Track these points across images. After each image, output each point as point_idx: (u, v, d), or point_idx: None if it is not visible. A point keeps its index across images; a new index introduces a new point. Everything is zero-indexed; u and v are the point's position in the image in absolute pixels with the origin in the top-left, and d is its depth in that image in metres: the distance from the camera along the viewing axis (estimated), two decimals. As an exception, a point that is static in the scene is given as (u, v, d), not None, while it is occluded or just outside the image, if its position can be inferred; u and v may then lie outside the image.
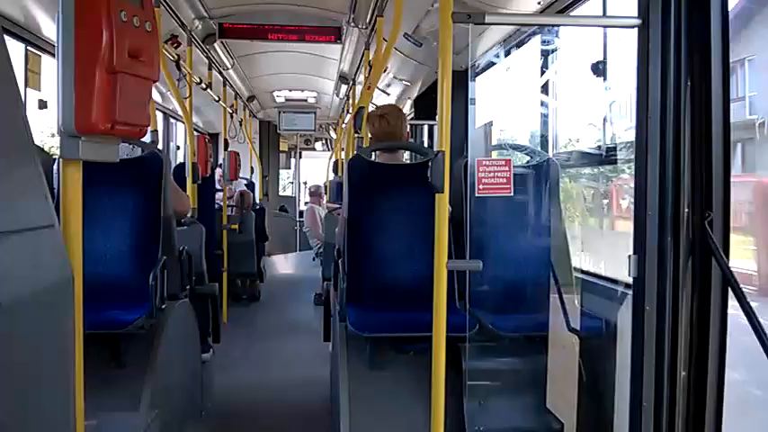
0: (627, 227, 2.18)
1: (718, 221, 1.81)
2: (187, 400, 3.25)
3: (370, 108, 3.79)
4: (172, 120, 7.33)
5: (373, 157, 3.07)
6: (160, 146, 5.06)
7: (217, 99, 6.47)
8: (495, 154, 3.14)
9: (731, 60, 1.82)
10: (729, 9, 1.81)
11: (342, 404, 2.60)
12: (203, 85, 5.74)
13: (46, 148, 4.08)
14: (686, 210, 1.85)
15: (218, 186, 6.09)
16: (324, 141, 12.47)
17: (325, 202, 8.82)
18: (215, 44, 5.36)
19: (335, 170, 7.74)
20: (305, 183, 11.81)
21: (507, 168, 2.18)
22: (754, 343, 1.60)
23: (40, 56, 3.62)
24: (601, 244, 3.26)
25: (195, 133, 4.87)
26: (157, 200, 2.94)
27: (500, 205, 2.73)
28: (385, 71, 5.37)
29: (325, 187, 9.37)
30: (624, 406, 2.03)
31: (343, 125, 8.30)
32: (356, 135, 3.98)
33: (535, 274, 2.78)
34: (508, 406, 2.69)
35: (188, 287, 3.28)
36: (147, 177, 2.96)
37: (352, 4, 4.48)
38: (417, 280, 2.61)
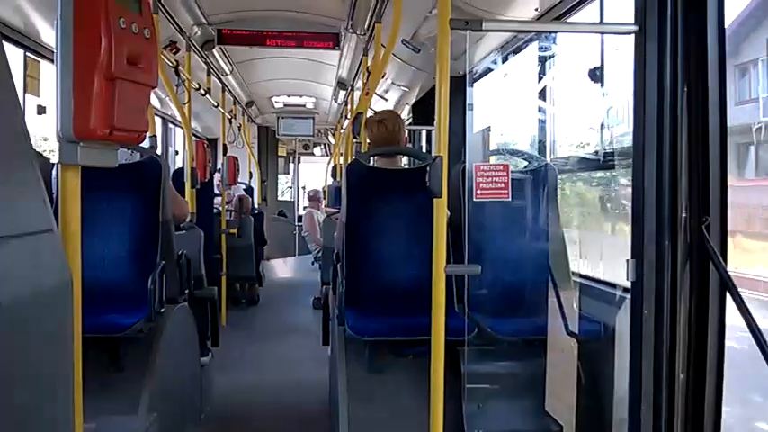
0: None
1: (715, 226, 1.82)
2: (186, 403, 3.24)
3: (369, 113, 3.80)
4: (170, 125, 7.34)
5: (371, 162, 3.08)
6: (159, 151, 5.06)
7: (215, 105, 6.48)
8: (492, 159, 3.15)
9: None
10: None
11: (341, 407, 2.60)
12: (202, 91, 5.75)
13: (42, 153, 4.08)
14: (684, 214, 1.86)
15: (216, 191, 6.09)
16: (322, 146, 12.49)
17: (323, 206, 8.82)
18: (213, 50, 5.37)
19: (334, 175, 7.75)
20: (303, 187, 11.81)
21: (505, 173, 2.19)
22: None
23: (38, 62, 3.63)
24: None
25: (194, 138, 4.88)
26: (156, 205, 2.94)
27: (498, 210, 2.74)
28: (383, 77, 5.38)
29: (324, 192, 9.38)
30: (623, 409, 2.04)
31: (342, 130, 8.31)
32: (354, 140, 3.99)
33: (533, 278, 2.79)
34: (507, 409, 2.69)
35: (187, 291, 3.28)
36: (145, 182, 2.97)
37: (351, 10, 4.49)
38: (416, 284, 2.61)
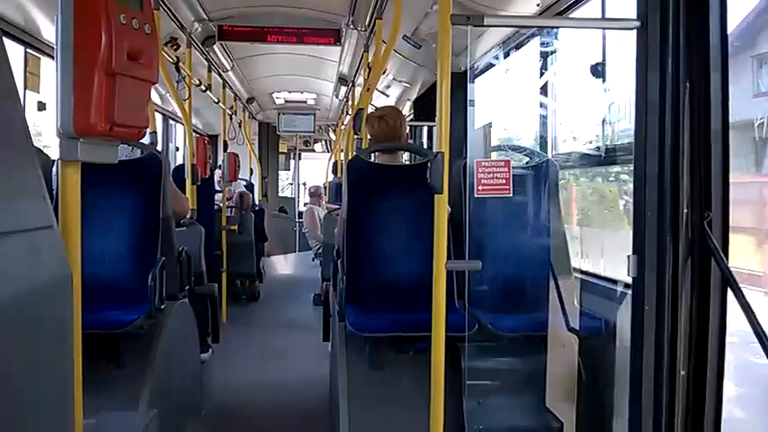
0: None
1: (717, 221, 1.82)
2: (186, 399, 3.25)
3: (370, 109, 3.80)
4: (171, 121, 7.33)
5: (372, 158, 3.08)
6: (159, 147, 5.07)
7: (216, 101, 6.48)
8: (494, 155, 3.15)
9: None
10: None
11: (341, 403, 2.60)
12: (203, 87, 5.74)
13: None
14: (685, 210, 1.85)
15: (217, 187, 6.09)
16: (323, 143, 12.47)
17: (324, 202, 8.82)
18: (214, 46, 5.36)
19: (335, 171, 7.75)
20: (304, 184, 11.81)
21: (506, 169, 2.19)
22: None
23: (39, 58, 3.63)
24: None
25: (194, 135, 4.87)
26: (156, 201, 2.94)
27: (499, 206, 2.74)
28: (384, 73, 5.37)
29: (325, 188, 9.38)
30: (623, 405, 2.04)
31: (343, 126, 8.30)
32: (355, 136, 3.99)
33: (534, 273, 2.79)
34: (507, 405, 2.69)
35: (187, 287, 3.28)
36: (146, 179, 2.97)
37: (352, 6, 4.49)
38: (416, 280, 2.61)
